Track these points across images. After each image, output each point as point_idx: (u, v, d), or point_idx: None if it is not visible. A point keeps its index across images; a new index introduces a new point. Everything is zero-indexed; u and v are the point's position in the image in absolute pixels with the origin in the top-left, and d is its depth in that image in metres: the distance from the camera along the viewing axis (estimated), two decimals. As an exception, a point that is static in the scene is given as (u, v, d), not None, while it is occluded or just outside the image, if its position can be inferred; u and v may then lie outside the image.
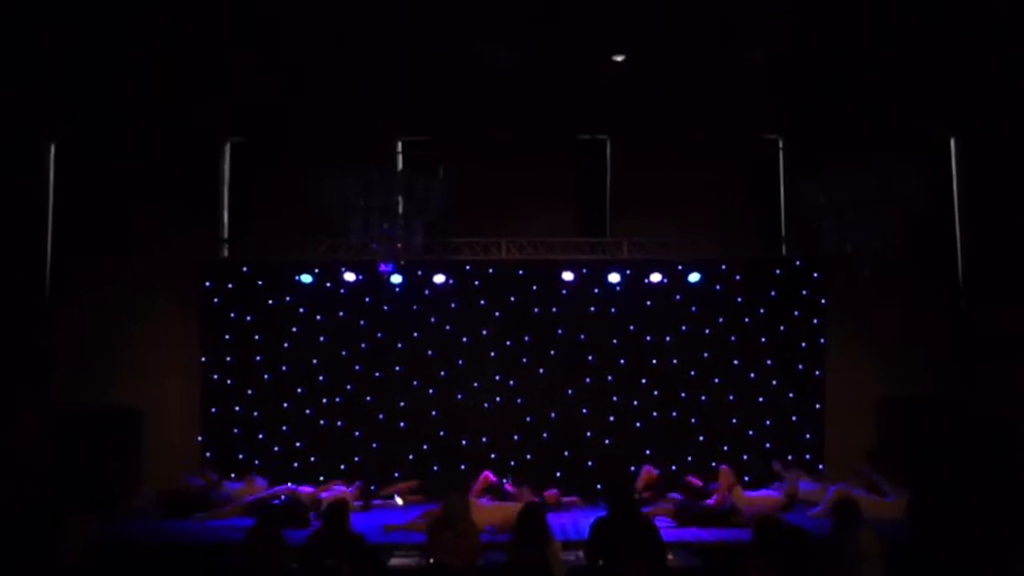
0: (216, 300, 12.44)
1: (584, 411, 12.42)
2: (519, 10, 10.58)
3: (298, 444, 12.37)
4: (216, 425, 12.32)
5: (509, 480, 11.03)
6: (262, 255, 12.42)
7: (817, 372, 12.30)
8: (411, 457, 12.29)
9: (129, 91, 11.42)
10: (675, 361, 12.47)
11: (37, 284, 11.71)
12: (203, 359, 12.36)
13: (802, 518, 9.61)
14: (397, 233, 9.55)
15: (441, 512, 7.24)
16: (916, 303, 12.07)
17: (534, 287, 12.51)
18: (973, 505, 8.88)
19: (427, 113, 12.24)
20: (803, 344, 12.39)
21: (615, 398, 12.43)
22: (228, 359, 12.47)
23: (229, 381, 12.44)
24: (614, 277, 12.28)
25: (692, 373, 12.44)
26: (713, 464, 11.64)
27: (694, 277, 12.32)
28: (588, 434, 12.38)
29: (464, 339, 12.53)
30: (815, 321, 12.34)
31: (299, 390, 12.46)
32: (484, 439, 12.35)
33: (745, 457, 12.08)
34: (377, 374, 12.51)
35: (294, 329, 12.53)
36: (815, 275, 12.32)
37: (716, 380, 12.41)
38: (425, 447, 12.37)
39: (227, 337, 12.48)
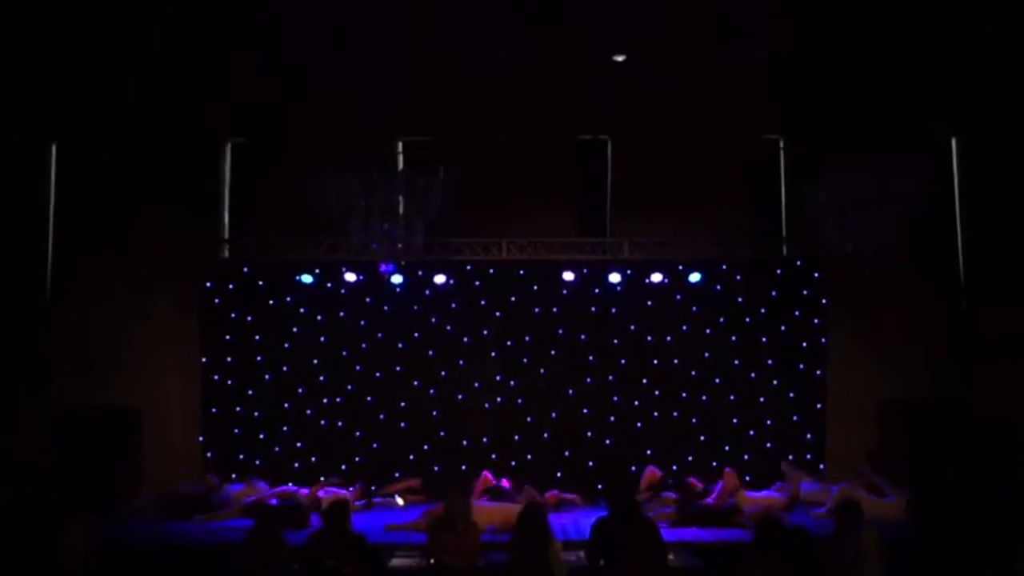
0: (217, 300, 12.44)
1: (585, 411, 12.42)
2: (519, 10, 10.58)
3: (299, 444, 12.37)
4: (217, 425, 12.32)
5: (506, 478, 11.04)
6: (262, 255, 12.41)
7: (818, 372, 12.30)
8: (412, 457, 12.29)
9: (129, 91, 11.42)
10: (676, 361, 12.47)
11: (38, 285, 11.71)
12: (204, 359, 12.35)
13: (806, 518, 9.60)
14: (398, 233, 9.55)
15: (442, 512, 7.25)
16: (917, 303, 12.06)
17: (535, 287, 12.50)
18: (973, 505, 8.88)
19: (427, 113, 12.23)
20: (804, 344, 12.38)
21: (616, 398, 12.42)
22: (229, 359, 12.47)
23: (230, 381, 12.44)
24: (615, 277, 12.27)
25: (693, 373, 12.44)
26: (714, 464, 11.69)
27: (695, 277, 12.31)
28: (589, 434, 12.37)
29: (465, 339, 12.53)
30: (816, 321, 12.34)
31: (300, 390, 12.45)
32: (485, 439, 12.34)
33: (746, 457, 12.08)
34: (378, 374, 12.51)
35: (295, 329, 12.53)
36: (816, 275, 12.31)
37: (717, 380, 12.40)
38: (426, 447, 12.37)
39: (228, 337, 12.48)
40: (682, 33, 11.01)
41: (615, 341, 12.48)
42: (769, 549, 5.90)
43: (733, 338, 12.43)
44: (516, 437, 12.38)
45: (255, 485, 10.92)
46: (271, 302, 12.50)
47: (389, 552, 7.62)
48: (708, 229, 12.32)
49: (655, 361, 12.46)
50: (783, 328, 12.42)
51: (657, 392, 12.42)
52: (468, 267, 12.47)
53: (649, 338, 12.49)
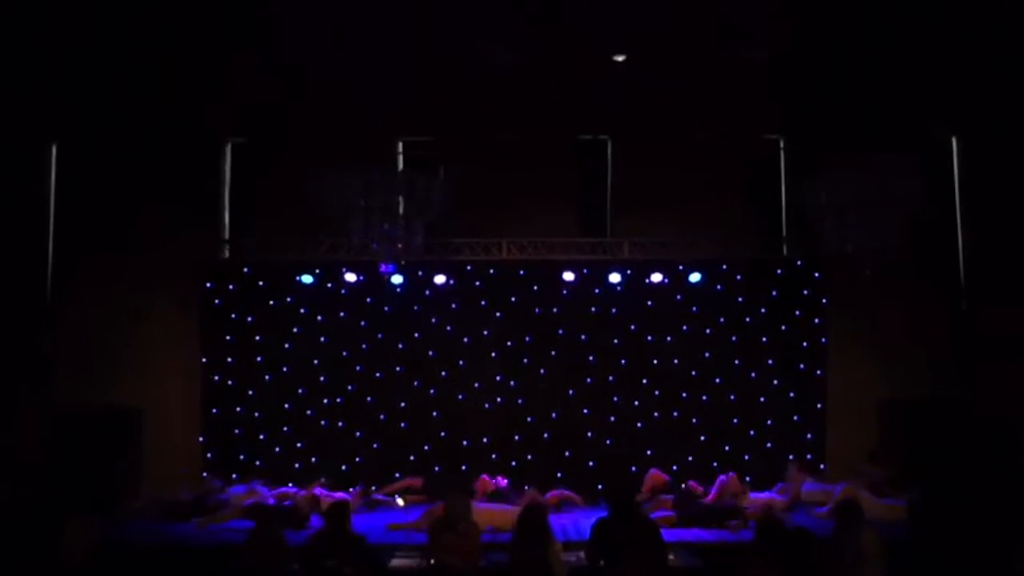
0: (217, 301, 12.43)
1: (585, 411, 12.41)
2: (519, 10, 10.60)
3: (299, 445, 12.36)
4: (217, 426, 12.31)
5: (502, 476, 11.04)
6: (263, 255, 12.40)
7: (818, 372, 12.29)
8: (412, 457, 12.27)
9: (129, 91, 11.44)
10: (676, 361, 12.46)
11: (38, 284, 11.73)
12: (204, 360, 12.34)
13: (807, 518, 9.61)
14: (398, 233, 9.54)
15: (442, 512, 7.24)
16: (917, 303, 12.07)
17: (535, 287, 12.48)
18: (974, 505, 8.87)
19: (427, 113, 12.24)
20: (804, 344, 12.38)
21: (616, 398, 12.41)
22: (229, 360, 12.46)
23: (230, 382, 12.43)
24: (615, 277, 12.27)
25: (693, 373, 12.43)
26: (715, 464, 11.69)
27: (695, 277, 12.30)
28: (589, 434, 12.36)
29: (465, 339, 12.52)
30: (816, 321, 12.33)
31: (300, 391, 12.44)
32: (485, 439, 12.33)
33: (747, 457, 12.08)
34: (378, 374, 12.50)
35: (295, 330, 12.52)
36: (816, 275, 12.30)
37: (717, 380, 12.39)
38: (426, 447, 12.36)
39: (228, 338, 12.47)
40: (682, 33, 11.02)
41: (615, 341, 12.47)
42: (769, 549, 5.90)
43: (733, 338, 12.42)
44: (516, 437, 12.37)
45: (255, 488, 10.91)
46: (271, 302, 12.49)
47: (389, 552, 7.63)
48: (708, 229, 12.31)
49: (655, 361, 12.45)
50: (783, 328, 12.41)
51: (657, 392, 12.41)
52: (468, 267, 12.45)
53: (649, 338, 12.48)
